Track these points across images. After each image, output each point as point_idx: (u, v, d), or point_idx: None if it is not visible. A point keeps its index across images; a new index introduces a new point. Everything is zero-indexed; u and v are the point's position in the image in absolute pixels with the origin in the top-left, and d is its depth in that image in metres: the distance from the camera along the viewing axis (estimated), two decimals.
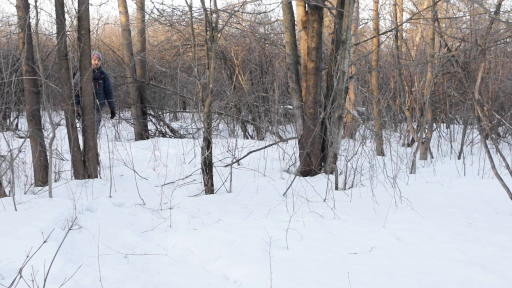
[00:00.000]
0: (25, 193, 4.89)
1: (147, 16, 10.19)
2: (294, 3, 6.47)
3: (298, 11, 6.40)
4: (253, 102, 10.41)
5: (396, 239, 3.62)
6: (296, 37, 6.70)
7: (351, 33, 5.95)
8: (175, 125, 11.58)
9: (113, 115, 8.57)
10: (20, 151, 5.03)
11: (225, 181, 5.45)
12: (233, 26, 10.69)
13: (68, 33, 5.98)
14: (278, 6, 7.91)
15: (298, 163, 6.52)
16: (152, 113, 10.69)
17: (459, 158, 8.17)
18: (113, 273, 3.06)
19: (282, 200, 4.86)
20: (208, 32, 5.16)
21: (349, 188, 5.43)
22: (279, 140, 8.39)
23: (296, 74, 6.47)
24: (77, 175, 5.66)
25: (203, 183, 5.28)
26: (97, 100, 6.72)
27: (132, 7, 19.40)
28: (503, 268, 3.07)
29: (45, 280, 2.13)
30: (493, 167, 4.72)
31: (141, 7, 9.91)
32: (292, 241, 3.51)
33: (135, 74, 10.03)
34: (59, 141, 7.11)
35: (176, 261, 3.33)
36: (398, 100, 10.33)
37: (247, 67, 11.11)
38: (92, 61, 6.93)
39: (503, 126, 10.05)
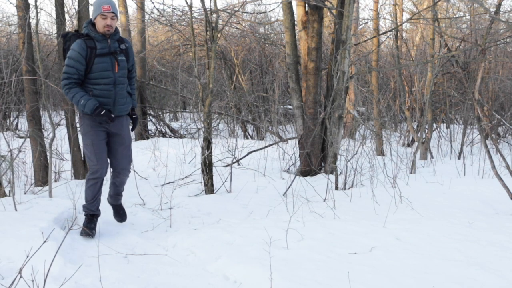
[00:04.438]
0: (25, 193, 4.89)
1: (147, 16, 10.19)
2: (294, 3, 6.47)
3: (298, 11, 6.40)
4: (253, 102, 10.42)
5: (396, 239, 3.62)
6: (296, 37, 6.70)
7: (351, 33, 5.95)
8: (175, 125, 11.59)
9: (134, 123, 3.98)
10: (20, 151, 5.03)
11: (225, 181, 5.45)
12: (233, 26, 10.69)
13: None
14: (278, 6, 7.91)
15: (298, 163, 6.52)
16: (152, 113, 10.69)
17: (459, 158, 8.17)
18: (113, 273, 3.06)
19: (282, 200, 4.86)
20: (208, 32, 5.16)
21: (349, 188, 5.43)
22: (279, 140, 8.39)
23: (296, 74, 6.47)
24: (77, 175, 5.66)
25: (203, 183, 5.28)
26: (115, 106, 3.67)
27: (132, 7, 19.40)
28: (503, 268, 3.07)
29: (45, 280, 2.13)
30: (493, 167, 4.72)
31: (141, 7, 9.91)
32: (292, 241, 3.51)
33: None
34: (59, 141, 7.11)
35: (176, 261, 3.32)
36: (398, 100, 10.33)
37: (247, 67, 11.10)
38: (102, 22, 3.56)
39: (503, 126, 10.05)
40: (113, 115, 3.63)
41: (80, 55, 3.53)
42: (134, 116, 3.94)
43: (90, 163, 3.72)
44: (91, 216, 3.87)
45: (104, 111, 3.55)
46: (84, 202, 3.88)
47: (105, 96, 3.62)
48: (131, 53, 3.89)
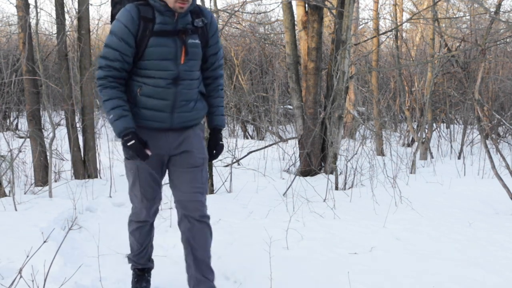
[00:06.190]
0: (25, 193, 4.89)
1: None
2: (294, 3, 6.48)
3: (298, 11, 6.40)
4: (253, 102, 10.42)
5: (396, 239, 3.62)
6: (296, 37, 6.70)
7: (351, 33, 5.95)
8: None
9: (218, 151, 2.52)
10: (20, 151, 5.03)
11: (225, 181, 5.45)
12: (233, 26, 10.69)
13: (68, 33, 5.98)
14: (278, 6, 7.92)
15: (298, 163, 6.52)
16: None
17: (459, 158, 8.17)
18: (113, 273, 3.06)
19: (282, 200, 4.85)
20: None
21: (349, 188, 5.42)
22: (279, 140, 8.39)
23: (296, 74, 6.47)
24: (77, 175, 5.65)
25: None
26: (173, 112, 2.30)
27: None
28: (503, 268, 3.07)
29: (45, 280, 2.13)
30: (493, 167, 4.72)
31: None
32: (292, 241, 3.51)
33: None
34: (59, 141, 7.11)
35: (176, 261, 3.32)
36: (398, 100, 10.33)
37: (247, 67, 11.11)
38: None
39: (503, 126, 10.05)
40: (149, 153, 2.26)
41: (128, 30, 2.15)
42: (220, 143, 2.50)
43: (132, 203, 2.59)
44: (140, 272, 2.74)
45: (133, 142, 2.19)
46: (129, 252, 2.81)
47: (161, 96, 2.25)
48: (213, 33, 2.34)
